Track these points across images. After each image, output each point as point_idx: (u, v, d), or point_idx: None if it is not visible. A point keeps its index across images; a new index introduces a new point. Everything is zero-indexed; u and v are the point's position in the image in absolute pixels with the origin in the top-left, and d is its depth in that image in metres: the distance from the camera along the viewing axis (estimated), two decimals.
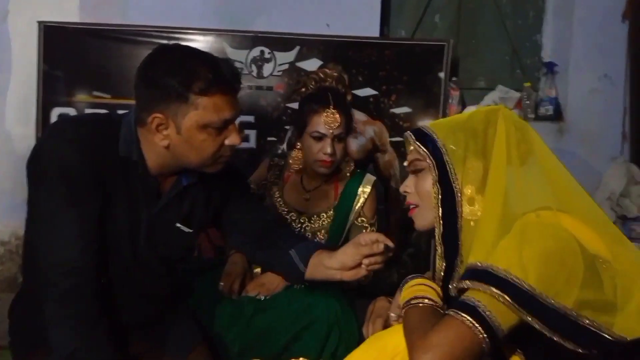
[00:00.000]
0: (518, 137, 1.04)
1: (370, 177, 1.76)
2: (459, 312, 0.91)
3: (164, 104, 1.14)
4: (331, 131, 1.62)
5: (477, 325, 0.89)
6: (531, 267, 0.91)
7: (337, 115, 1.62)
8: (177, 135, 1.16)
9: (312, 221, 1.72)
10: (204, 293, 1.60)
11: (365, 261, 1.29)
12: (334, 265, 1.32)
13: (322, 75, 1.72)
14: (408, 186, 1.12)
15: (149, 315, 1.33)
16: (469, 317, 0.89)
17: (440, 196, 1.04)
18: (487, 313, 0.89)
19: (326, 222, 1.72)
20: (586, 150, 2.75)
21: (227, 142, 1.19)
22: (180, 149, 1.17)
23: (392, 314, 1.12)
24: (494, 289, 0.90)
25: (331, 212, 1.72)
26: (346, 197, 1.72)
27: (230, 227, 1.44)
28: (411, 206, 1.12)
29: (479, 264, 0.94)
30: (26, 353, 1.24)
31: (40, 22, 2.28)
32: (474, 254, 0.97)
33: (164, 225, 1.26)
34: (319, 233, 1.72)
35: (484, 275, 0.92)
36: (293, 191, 1.74)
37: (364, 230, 1.73)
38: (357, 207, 1.72)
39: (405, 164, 1.13)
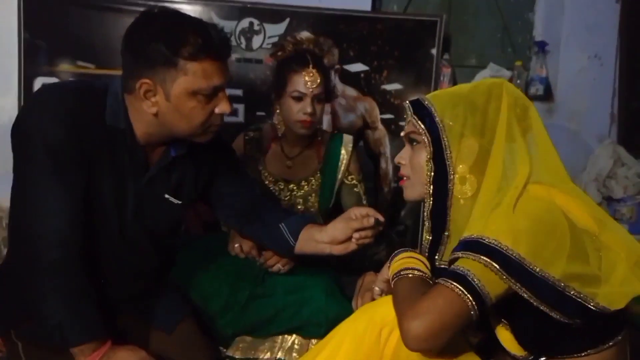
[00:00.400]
0: (519, 114, 1.04)
1: (348, 136, 1.81)
2: (449, 280, 0.92)
3: (151, 70, 1.11)
4: (311, 90, 1.63)
5: (466, 293, 0.90)
6: (521, 236, 0.92)
7: (317, 75, 1.63)
8: (165, 102, 1.13)
9: (300, 187, 1.73)
10: (188, 263, 1.59)
11: (356, 235, 1.29)
12: (324, 239, 1.32)
13: (299, 39, 1.75)
14: (403, 157, 1.11)
15: (135, 289, 1.32)
16: (458, 285, 0.90)
17: (432, 173, 1.03)
18: (477, 281, 0.91)
19: (315, 185, 1.74)
20: (574, 131, 2.76)
21: (217, 110, 1.17)
22: (169, 117, 1.15)
23: (377, 288, 1.13)
24: (483, 257, 0.91)
25: (318, 175, 1.74)
26: (330, 158, 1.75)
27: (219, 201, 1.42)
28: (403, 177, 1.12)
29: (472, 236, 0.95)
30: (13, 323, 1.22)
31: None
32: (469, 229, 0.98)
33: (152, 197, 1.24)
34: (310, 197, 1.73)
35: (474, 245, 0.93)
36: (275, 161, 1.74)
37: (355, 189, 1.77)
38: (342, 167, 1.76)
39: (402, 134, 1.12)
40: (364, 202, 1.78)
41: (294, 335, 1.50)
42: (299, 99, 1.62)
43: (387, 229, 2.46)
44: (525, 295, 0.92)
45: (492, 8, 2.82)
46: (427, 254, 1.08)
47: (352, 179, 1.77)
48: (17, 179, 1.14)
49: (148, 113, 1.15)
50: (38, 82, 2.25)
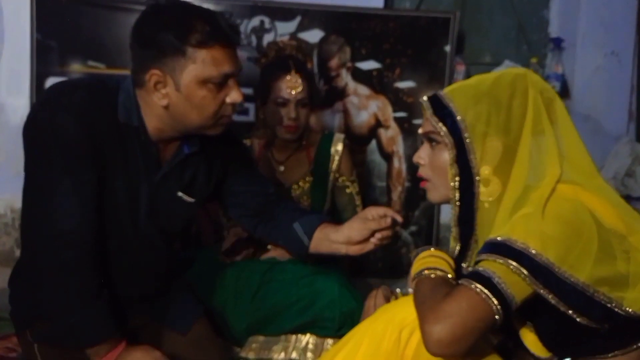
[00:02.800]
0: (545, 106, 0.99)
1: (339, 135, 1.80)
2: (473, 282, 0.88)
3: (161, 60, 1.10)
4: (294, 95, 1.63)
5: (490, 296, 0.87)
6: (549, 241, 0.89)
7: (299, 80, 1.64)
8: (176, 93, 1.12)
9: (292, 190, 1.73)
10: (204, 266, 1.59)
11: (378, 235, 1.26)
12: (339, 239, 1.29)
13: (281, 45, 1.76)
14: (422, 157, 1.06)
15: (148, 289, 1.30)
16: (482, 288, 0.87)
17: (458, 178, 0.99)
18: (502, 284, 0.87)
19: (306, 187, 1.73)
20: (591, 129, 2.71)
21: (228, 99, 1.15)
22: (180, 108, 1.13)
23: (410, 289, 1.09)
24: (511, 262, 0.88)
25: (309, 177, 1.74)
26: (320, 158, 1.75)
27: (231, 199, 1.40)
28: (423, 178, 1.08)
29: (498, 238, 0.91)
30: (27, 322, 1.21)
31: None
32: (495, 231, 0.94)
33: (165, 194, 1.23)
34: (301, 199, 1.72)
35: (502, 249, 0.90)
36: (266, 167, 1.74)
37: (347, 190, 1.75)
38: (333, 167, 1.76)
39: (420, 131, 1.07)
40: (357, 202, 1.77)
41: (308, 335, 1.48)
42: (283, 104, 1.63)
43: (401, 229, 2.43)
44: (552, 301, 0.89)
45: (506, 5, 2.79)
46: (454, 260, 1.04)
47: (344, 180, 1.77)
48: (29, 178, 1.13)
49: (159, 106, 1.14)
50: (49, 82, 2.25)
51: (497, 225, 0.96)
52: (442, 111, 1.00)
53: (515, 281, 0.88)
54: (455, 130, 0.99)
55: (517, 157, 0.98)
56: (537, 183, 0.96)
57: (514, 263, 0.88)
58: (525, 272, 0.87)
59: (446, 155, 1.01)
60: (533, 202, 0.93)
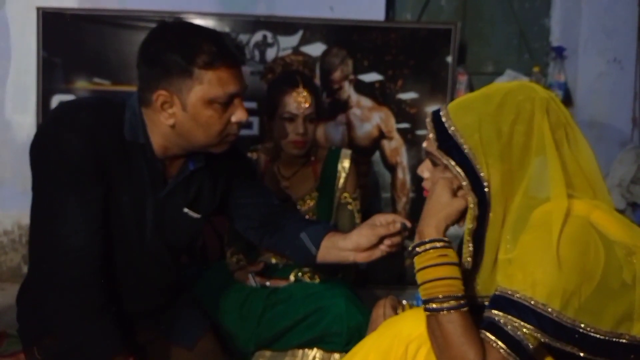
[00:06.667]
0: (552, 129, 0.96)
1: (346, 152, 1.77)
2: (503, 347, 0.88)
3: (168, 81, 1.11)
4: (302, 110, 1.62)
5: (515, 356, 0.88)
6: (570, 296, 0.88)
7: (307, 95, 1.63)
8: (182, 113, 1.13)
9: (297, 206, 1.71)
10: (210, 281, 1.59)
11: (387, 242, 1.25)
12: (347, 246, 1.28)
13: (288, 61, 1.76)
14: (424, 172, 1.05)
15: (155, 304, 1.30)
16: (512, 353, 0.88)
17: (476, 207, 0.95)
18: (530, 347, 0.88)
19: (312, 204, 1.71)
20: (595, 136, 2.70)
21: (233, 118, 1.16)
22: (186, 127, 1.14)
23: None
24: (531, 327, 0.87)
25: (315, 193, 1.72)
26: (327, 175, 1.73)
27: (236, 212, 1.40)
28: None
29: (517, 296, 0.89)
30: (35, 339, 1.21)
31: (39, 8, 2.24)
32: (502, 252, 0.94)
33: (171, 210, 1.23)
34: (306, 216, 1.71)
35: (524, 311, 0.88)
36: (272, 182, 1.73)
37: (348, 207, 1.73)
38: (340, 184, 1.74)
39: (424, 145, 1.04)
40: (357, 220, 1.74)
41: (315, 350, 1.48)
42: (291, 119, 1.62)
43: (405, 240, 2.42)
44: (581, 355, 0.90)
45: (507, 14, 2.80)
46: (465, 279, 1.00)
47: (346, 197, 1.74)
48: (36, 196, 1.14)
49: (165, 125, 1.15)
50: (55, 100, 2.28)
51: (503, 243, 0.95)
52: (447, 143, 0.97)
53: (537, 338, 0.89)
54: (463, 161, 0.96)
55: (515, 180, 0.96)
56: (538, 201, 0.94)
57: (534, 328, 0.87)
58: (549, 336, 0.87)
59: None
60: (546, 237, 0.89)
